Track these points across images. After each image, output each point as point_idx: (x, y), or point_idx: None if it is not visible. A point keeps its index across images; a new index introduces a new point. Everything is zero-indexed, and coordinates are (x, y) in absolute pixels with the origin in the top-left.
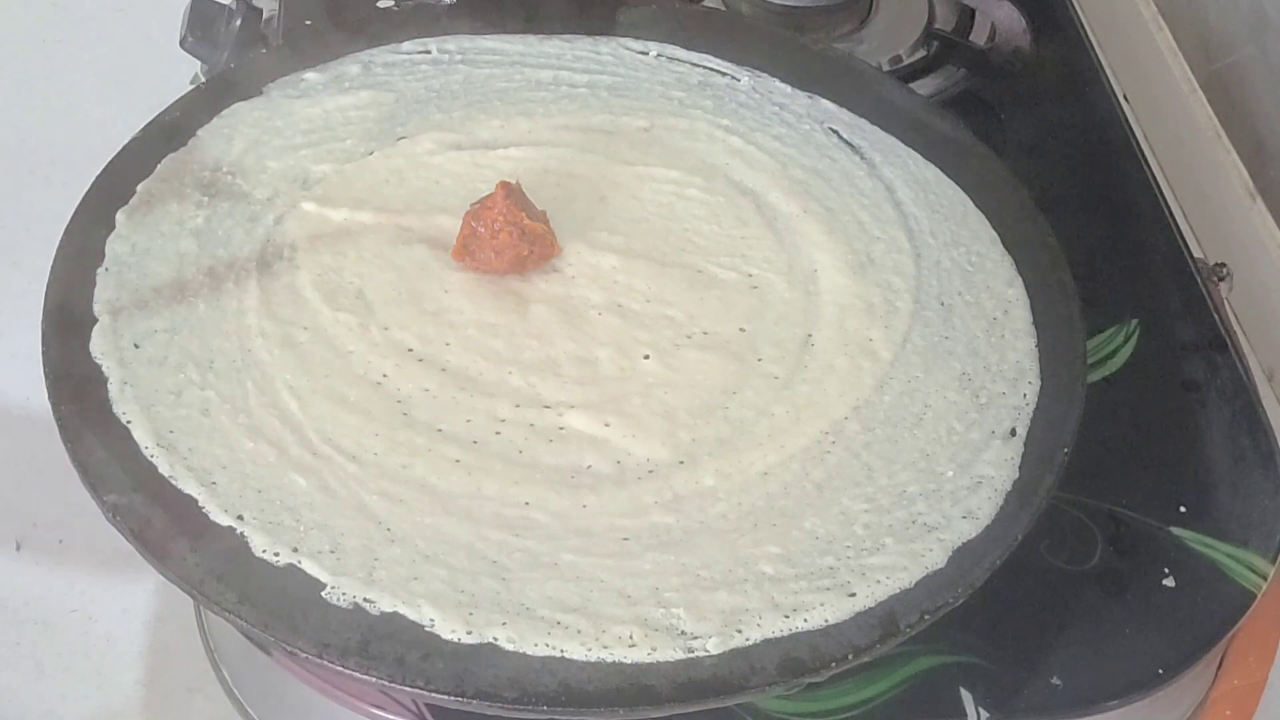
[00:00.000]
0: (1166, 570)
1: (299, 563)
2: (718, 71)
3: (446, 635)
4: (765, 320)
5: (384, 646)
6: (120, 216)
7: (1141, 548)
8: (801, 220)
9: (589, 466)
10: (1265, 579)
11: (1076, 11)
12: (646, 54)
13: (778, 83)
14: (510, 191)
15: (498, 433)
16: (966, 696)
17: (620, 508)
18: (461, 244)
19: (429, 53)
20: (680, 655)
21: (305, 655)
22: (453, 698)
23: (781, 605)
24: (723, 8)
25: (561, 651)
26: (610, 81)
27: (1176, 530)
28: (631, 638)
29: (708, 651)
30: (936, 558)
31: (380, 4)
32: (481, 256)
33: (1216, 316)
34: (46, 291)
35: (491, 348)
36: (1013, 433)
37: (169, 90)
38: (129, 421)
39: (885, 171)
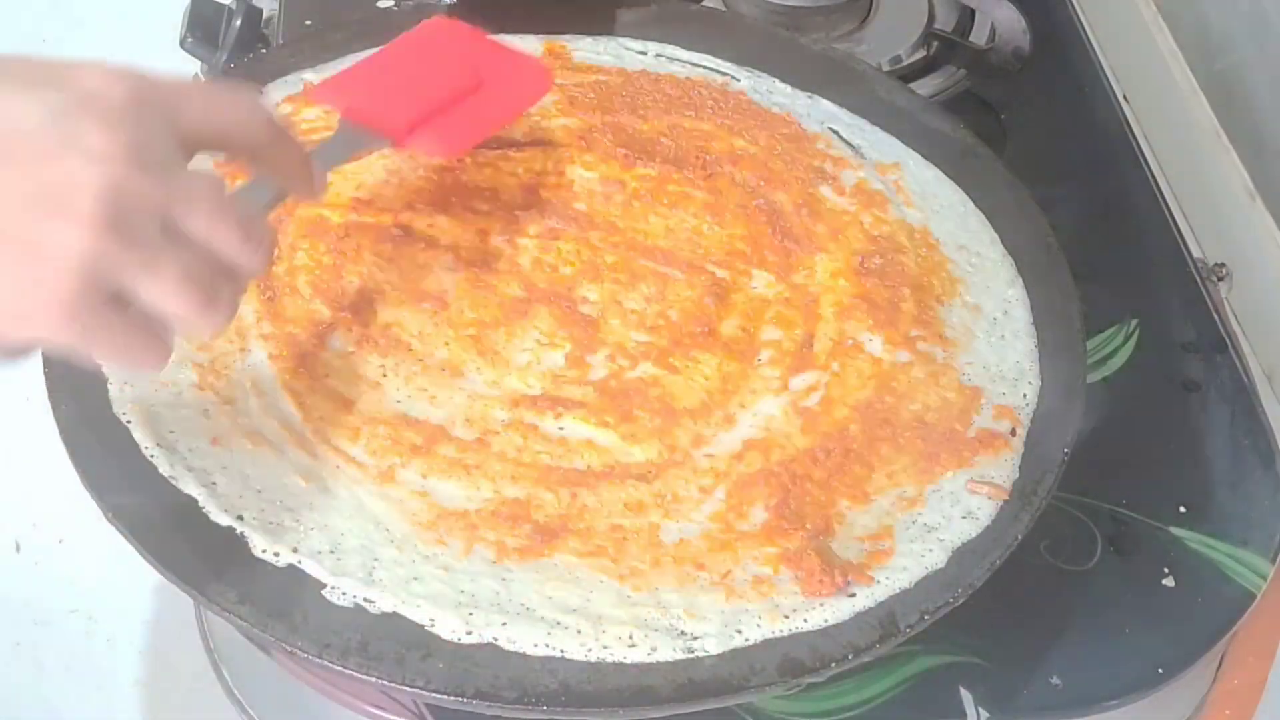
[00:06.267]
0: (1166, 570)
1: (299, 563)
2: (718, 71)
3: (446, 635)
4: (765, 320)
5: (384, 646)
6: None
7: (1141, 548)
8: (801, 221)
9: (587, 466)
10: (1265, 579)
11: (1076, 11)
12: (646, 54)
13: (778, 83)
14: None
15: (497, 433)
16: (966, 696)
17: (619, 507)
18: None
19: None
20: (680, 655)
21: (305, 655)
22: (453, 698)
23: (781, 605)
24: (723, 8)
25: (561, 651)
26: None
27: (1176, 530)
28: (631, 638)
29: (707, 652)
30: (936, 558)
31: (380, 4)
32: None
33: (1216, 316)
34: None
35: (491, 347)
36: (1013, 433)
37: None
38: (129, 421)
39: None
